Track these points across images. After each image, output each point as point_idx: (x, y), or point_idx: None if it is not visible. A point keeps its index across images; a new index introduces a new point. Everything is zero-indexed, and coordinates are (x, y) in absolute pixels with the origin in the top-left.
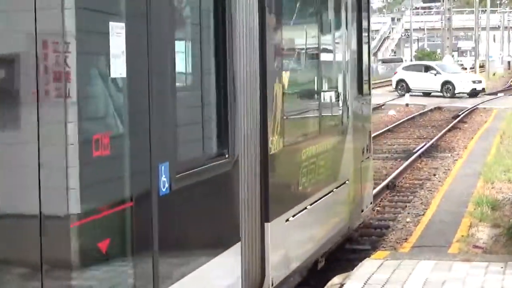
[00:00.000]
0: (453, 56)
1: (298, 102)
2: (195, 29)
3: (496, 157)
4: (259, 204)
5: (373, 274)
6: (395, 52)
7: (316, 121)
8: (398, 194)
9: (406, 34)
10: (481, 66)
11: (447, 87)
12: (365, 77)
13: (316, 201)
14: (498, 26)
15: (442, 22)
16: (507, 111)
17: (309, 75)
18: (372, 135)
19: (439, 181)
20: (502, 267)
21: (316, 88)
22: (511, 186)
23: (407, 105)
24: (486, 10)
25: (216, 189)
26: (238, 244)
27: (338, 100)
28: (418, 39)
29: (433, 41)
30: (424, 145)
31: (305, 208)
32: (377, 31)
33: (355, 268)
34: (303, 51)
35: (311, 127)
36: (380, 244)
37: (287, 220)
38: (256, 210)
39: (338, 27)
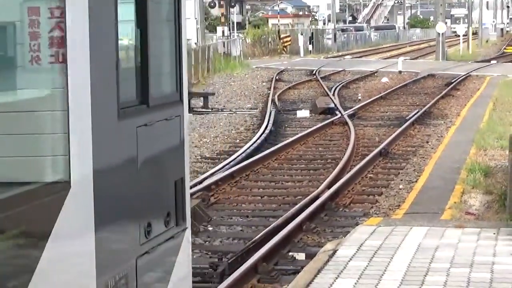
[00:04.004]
0: (446, 23)
1: None
2: None
3: (489, 124)
4: None
5: (366, 240)
6: (388, 19)
7: None
8: (391, 161)
9: (399, 1)
10: (474, 33)
11: None
12: (160, 76)
13: None
14: None
15: None
16: (500, 78)
17: None
18: (365, 102)
19: (432, 148)
20: (494, 233)
21: None
22: (504, 153)
23: (400, 72)
24: None
25: None
26: None
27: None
28: (411, 6)
29: (426, 8)
30: (417, 112)
31: None
32: None
33: (348, 234)
34: None
35: None
36: (373, 210)
37: None
38: None
39: None
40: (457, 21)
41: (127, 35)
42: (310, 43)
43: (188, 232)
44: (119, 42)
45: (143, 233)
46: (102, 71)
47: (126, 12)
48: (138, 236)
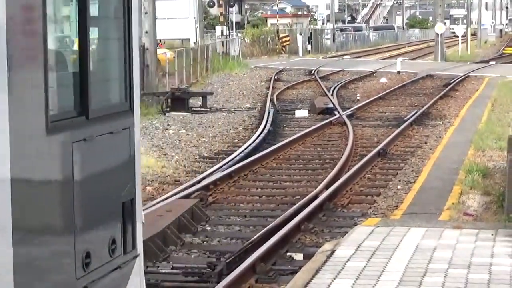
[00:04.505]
0: (445, 24)
1: None
2: None
3: (488, 125)
4: None
5: (364, 240)
6: (387, 19)
7: None
8: (389, 161)
9: (398, 1)
10: (473, 34)
11: None
12: (104, 83)
13: None
14: None
15: None
16: (499, 79)
17: None
18: (364, 102)
19: (430, 149)
20: (492, 235)
21: None
22: (502, 154)
23: (398, 72)
24: None
25: None
26: None
27: None
28: (410, 7)
29: (425, 9)
30: (416, 113)
31: None
32: None
33: (346, 235)
34: None
35: None
36: (371, 211)
37: None
38: None
39: None
40: (456, 22)
41: (61, 35)
42: (309, 43)
43: (139, 260)
44: (51, 42)
45: (81, 265)
46: (24, 76)
47: (61, 8)
48: (73, 268)
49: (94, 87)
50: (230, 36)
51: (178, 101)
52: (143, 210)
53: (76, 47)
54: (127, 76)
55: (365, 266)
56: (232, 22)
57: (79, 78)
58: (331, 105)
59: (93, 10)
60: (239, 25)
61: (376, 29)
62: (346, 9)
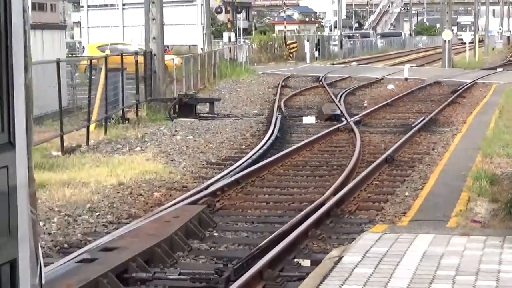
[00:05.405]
0: (452, 30)
1: None
2: None
3: (495, 132)
4: None
5: (371, 247)
6: (394, 26)
7: None
8: (396, 168)
9: (406, 8)
10: (480, 41)
11: None
12: None
13: None
14: (498, 0)
15: None
16: (507, 86)
17: None
18: (371, 109)
19: (438, 156)
20: (500, 241)
21: None
22: (510, 161)
23: (406, 79)
24: None
25: None
26: None
27: None
28: (417, 13)
29: (433, 16)
30: (423, 119)
31: None
32: (376, 5)
33: (354, 241)
34: None
35: None
36: (378, 217)
37: None
38: None
39: None
40: (464, 29)
41: None
42: (316, 50)
43: None
44: None
45: None
46: None
47: None
48: None
49: None
50: (238, 43)
51: (185, 107)
52: (152, 216)
53: None
54: (4, 99)
55: (372, 273)
56: (239, 29)
57: None
58: (338, 112)
59: None
60: (247, 32)
61: (383, 35)
62: (353, 16)
